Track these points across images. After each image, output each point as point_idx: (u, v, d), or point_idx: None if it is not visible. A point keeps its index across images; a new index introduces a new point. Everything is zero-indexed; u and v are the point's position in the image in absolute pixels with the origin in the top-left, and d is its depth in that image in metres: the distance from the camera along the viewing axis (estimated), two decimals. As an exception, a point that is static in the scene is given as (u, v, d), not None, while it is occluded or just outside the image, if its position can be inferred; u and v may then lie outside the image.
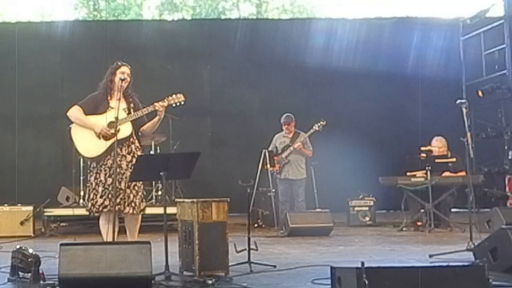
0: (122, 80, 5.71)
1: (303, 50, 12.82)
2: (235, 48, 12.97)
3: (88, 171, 5.89)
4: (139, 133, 5.94)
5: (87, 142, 5.74)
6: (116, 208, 5.51)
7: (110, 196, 5.62)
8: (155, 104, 5.68)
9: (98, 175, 5.71)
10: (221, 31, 13.39)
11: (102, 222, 5.75)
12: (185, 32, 13.39)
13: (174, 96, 5.74)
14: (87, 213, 5.93)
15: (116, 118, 5.55)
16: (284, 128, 9.72)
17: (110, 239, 5.50)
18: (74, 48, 12.71)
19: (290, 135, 9.67)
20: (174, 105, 5.75)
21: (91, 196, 5.76)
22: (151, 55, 12.59)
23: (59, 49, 12.76)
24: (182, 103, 5.75)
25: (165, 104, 5.69)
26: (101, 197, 5.67)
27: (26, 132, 12.59)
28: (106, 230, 5.56)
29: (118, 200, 5.57)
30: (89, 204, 5.78)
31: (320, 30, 13.08)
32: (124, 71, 5.79)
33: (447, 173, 9.01)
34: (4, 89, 12.53)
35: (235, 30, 13.19)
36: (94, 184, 5.74)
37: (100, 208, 5.67)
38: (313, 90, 12.90)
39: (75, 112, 5.80)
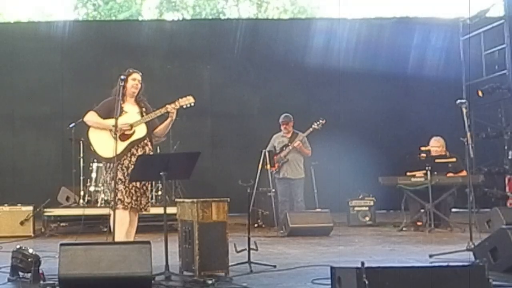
0: (122, 80, 5.75)
1: (303, 50, 12.82)
2: (235, 48, 12.97)
3: (105, 171, 6.07)
4: (152, 136, 6.04)
5: (104, 143, 5.84)
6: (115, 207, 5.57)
7: (131, 194, 5.75)
8: (167, 106, 5.81)
9: (116, 174, 5.76)
10: (221, 31, 13.38)
11: (118, 218, 5.74)
12: (185, 32, 13.39)
13: (184, 98, 5.87)
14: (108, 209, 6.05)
15: (116, 119, 5.57)
16: (282, 128, 9.71)
17: (123, 238, 5.57)
18: (74, 48, 12.70)
19: (289, 135, 9.66)
20: (184, 106, 5.85)
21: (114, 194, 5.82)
22: (151, 55, 12.59)
23: (59, 49, 12.74)
24: (192, 104, 5.86)
25: (177, 106, 5.81)
26: (123, 195, 5.75)
27: (26, 132, 12.60)
28: (124, 227, 5.66)
29: (137, 198, 5.78)
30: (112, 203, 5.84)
31: (320, 30, 13.08)
32: (135, 78, 5.94)
33: (450, 174, 9.01)
34: (4, 89, 12.53)
35: (235, 30, 13.18)
36: (113, 183, 5.77)
37: (124, 205, 5.74)
38: (313, 90, 12.90)
39: (91, 117, 5.95)
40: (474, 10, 12.39)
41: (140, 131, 5.84)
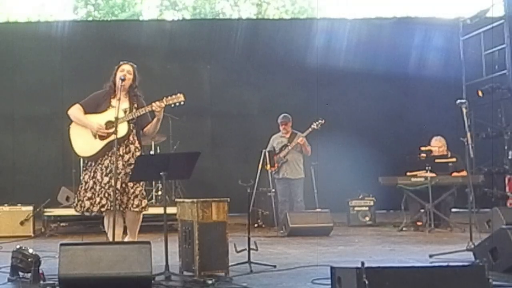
0: (122, 80, 5.68)
1: (303, 50, 12.82)
2: (235, 48, 12.96)
3: (83, 169, 5.90)
4: (141, 134, 5.90)
5: (83, 141, 5.76)
6: (115, 208, 5.49)
7: (106, 195, 5.63)
8: (153, 104, 5.62)
9: (95, 174, 5.70)
10: (221, 31, 13.37)
11: (106, 222, 5.73)
12: (185, 32, 13.39)
13: (173, 96, 5.64)
14: (77, 212, 5.87)
15: (116, 118, 5.52)
16: (281, 128, 9.71)
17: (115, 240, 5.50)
18: (74, 48, 12.71)
19: (288, 135, 9.66)
20: (173, 105, 5.65)
21: (88, 195, 5.74)
22: (151, 55, 12.58)
23: (59, 49, 12.75)
24: (182, 103, 5.64)
25: (163, 104, 5.60)
26: (98, 196, 5.66)
27: (26, 132, 12.59)
28: (111, 231, 5.51)
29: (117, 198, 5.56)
30: (86, 203, 5.74)
31: (320, 30, 13.07)
32: (123, 69, 5.77)
33: (455, 174, 9.00)
34: (4, 89, 12.53)
35: (235, 30, 13.18)
36: (91, 183, 5.73)
37: (98, 207, 5.66)
38: (313, 90, 12.90)
39: (74, 111, 5.83)
40: (474, 10, 12.40)
41: (121, 129, 5.60)
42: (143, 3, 22.64)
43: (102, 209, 5.64)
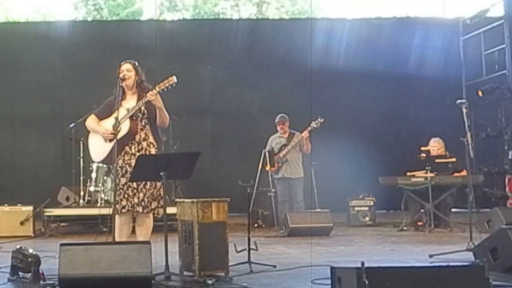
0: (122, 80, 5.68)
1: (303, 50, 12.82)
2: (235, 48, 12.97)
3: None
4: (156, 128, 5.80)
5: (96, 146, 5.81)
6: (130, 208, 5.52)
7: (126, 196, 5.56)
8: (147, 94, 5.58)
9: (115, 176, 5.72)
10: (221, 31, 13.38)
11: (118, 222, 5.64)
12: (185, 32, 13.39)
13: (164, 81, 5.59)
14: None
15: (116, 118, 5.53)
16: (278, 128, 9.70)
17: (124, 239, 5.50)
18: (74, 48, 12.71)
19: (286, 135, 9.67)
20: (165, 89, 5.58)
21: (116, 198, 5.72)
22: (151, 55, 12.55)
23: (59, 49, 12.75)
24: (174, 85, 5.56)
25: (155, 91, 5.56)
26: (118, 197, 5.59)
27: (26, 132, 12.60)
28: (123, 231, 5.52)
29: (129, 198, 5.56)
30: (117, 206, 5.71)
31: (320, 30, 13.08)
32: (122, 70, 5.75)
33: (456, 174, 8.99)
34: (4, 89, 12.53)
35: (235, 30, 13.19)
36: (114, 185, 5.75)
37: (120, 209, 5.57)
38: (313, 90, 12.89)
39: (89, 122, 5.88)
40: (474, 10, 12.40)
41: (124, 127, 5.60)
42: (143, 1, 22.65)
43: (123, 210, 5.55)
